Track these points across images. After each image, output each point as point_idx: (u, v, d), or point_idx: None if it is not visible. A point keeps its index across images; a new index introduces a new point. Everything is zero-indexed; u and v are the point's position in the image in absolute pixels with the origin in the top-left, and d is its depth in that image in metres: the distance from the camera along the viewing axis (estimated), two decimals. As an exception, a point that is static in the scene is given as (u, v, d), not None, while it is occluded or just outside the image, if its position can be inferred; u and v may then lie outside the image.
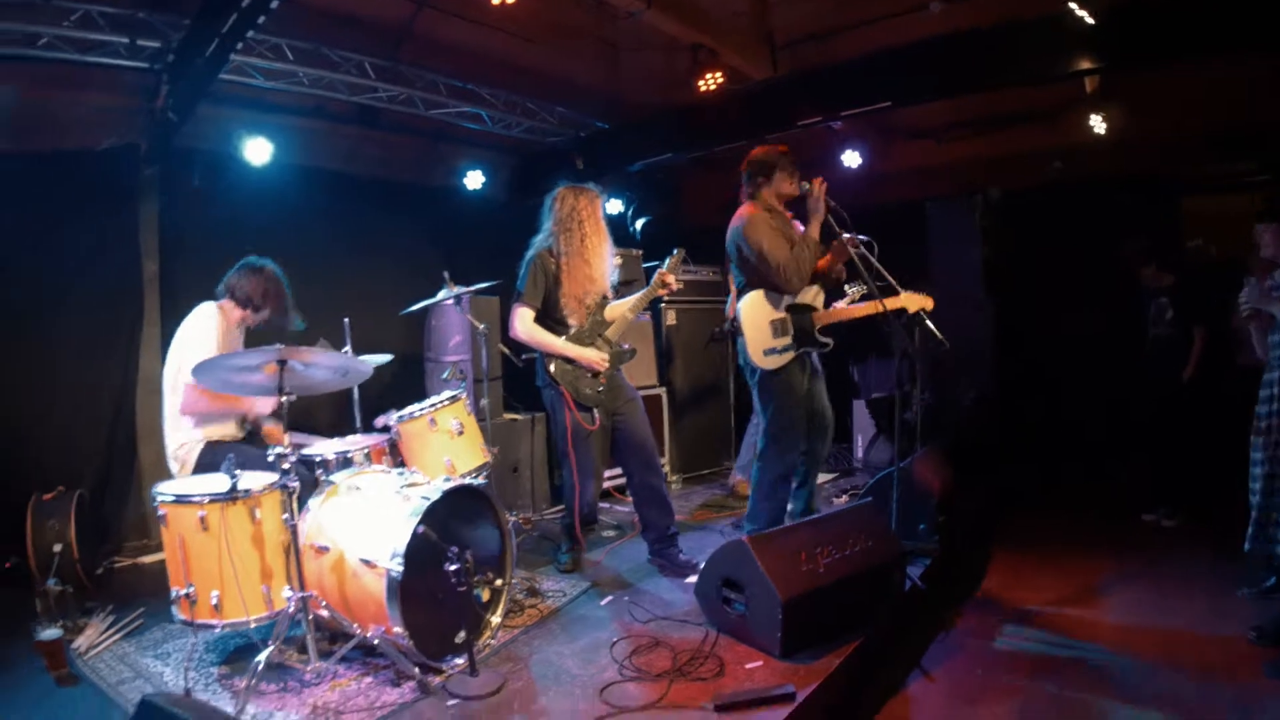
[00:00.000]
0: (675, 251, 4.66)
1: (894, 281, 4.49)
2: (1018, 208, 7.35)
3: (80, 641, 3.74)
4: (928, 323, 4.51)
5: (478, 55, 6.09)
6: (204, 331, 3.87)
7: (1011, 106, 6.94)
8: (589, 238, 4.51)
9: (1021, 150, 7.34)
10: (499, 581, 3.60)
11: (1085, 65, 5.12)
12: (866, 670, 3.53)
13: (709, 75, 5.78)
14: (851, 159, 7.25)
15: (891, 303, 4.45)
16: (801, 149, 6.05)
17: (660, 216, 8.36)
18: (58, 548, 4.33)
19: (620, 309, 4.66)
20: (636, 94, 7.07)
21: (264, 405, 3.99)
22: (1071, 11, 4.80)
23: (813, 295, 4.66)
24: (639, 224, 8.30)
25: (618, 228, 8.10)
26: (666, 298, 6.67)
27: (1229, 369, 5.38)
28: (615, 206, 8.11)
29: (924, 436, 5.17)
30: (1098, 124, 6.47)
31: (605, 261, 4.59)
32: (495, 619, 3.57)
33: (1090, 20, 4.82)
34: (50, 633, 3.46)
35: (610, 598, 4.23)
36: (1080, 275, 7.10)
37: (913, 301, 4.52)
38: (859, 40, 6.10)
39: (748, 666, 3.37)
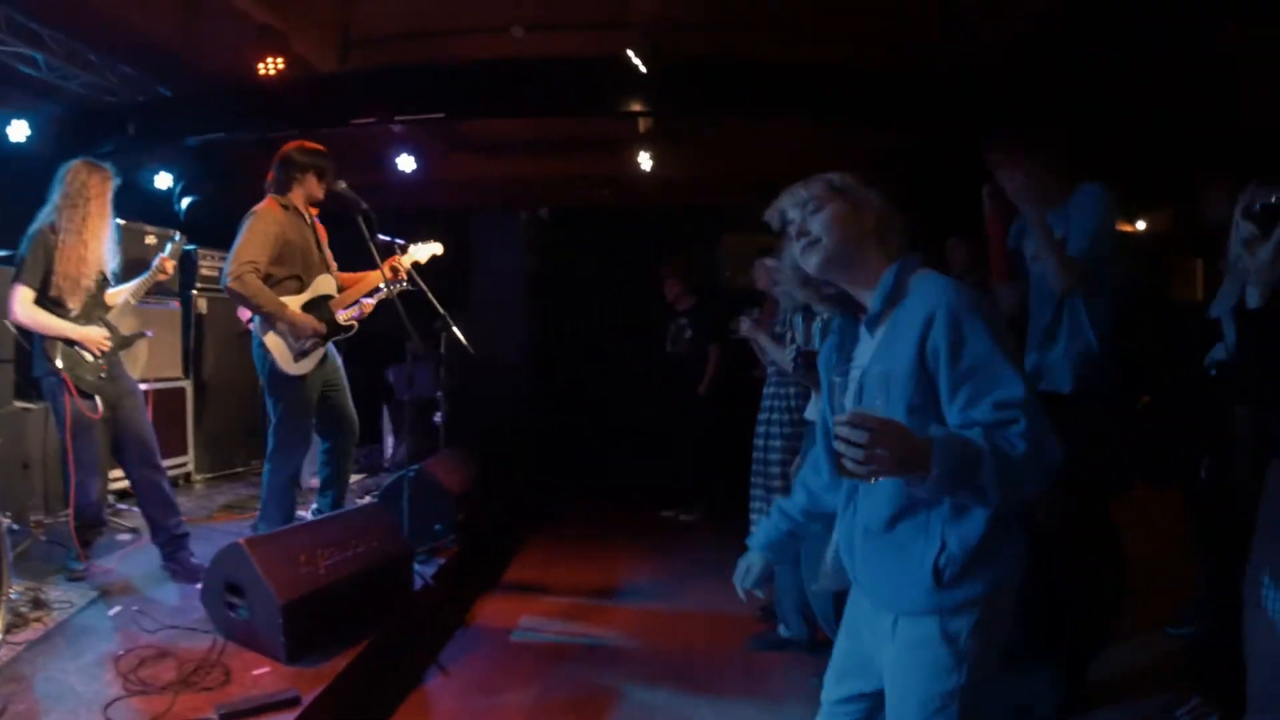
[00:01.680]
0: (177, 238, 4.66)
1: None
2: (564, 226, 8.07)
3: None
4: (454, 330, 4.91)
5: None
6: None
7: (571, 133, 7.53)
8: (92, 218, 4.34)
9: (575, 173, 8.03)
10: None
11: (636, 107, 5.92)
12: (378, 670, 3.79)
13: (271, 60, 5.72)
14: (406, 163, 7.46)
15: (405, 260, 4.78)
16: (359, 145, 6.21)
17: (211, 197, 8.01)
18: None
19: (121, 294, 4.55)
20: (207, 64, 6.69)
21: None
22: (629, 58, 5.51)
23: (329, 284, 4.82)
24: (185, 202, 7.92)
25: (162, 204, 7.67)
26: (200, 286, 6.51)
27: (744, 379, 6.20)
28: (165, 181, 7.63)
29: (449, 439, 5.52)
30: (645, 160, 7.25)
31: (104, 245, 4.44)
32: None
33: (643, 69, 5.57)
34: None
35: (119, 607, 4.13)
36: (619, 293, 7.98)
37: (420, 252, 4.86)
38: (436, 49, 6.32)
39: (255, 673, 3.48)
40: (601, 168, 7.71)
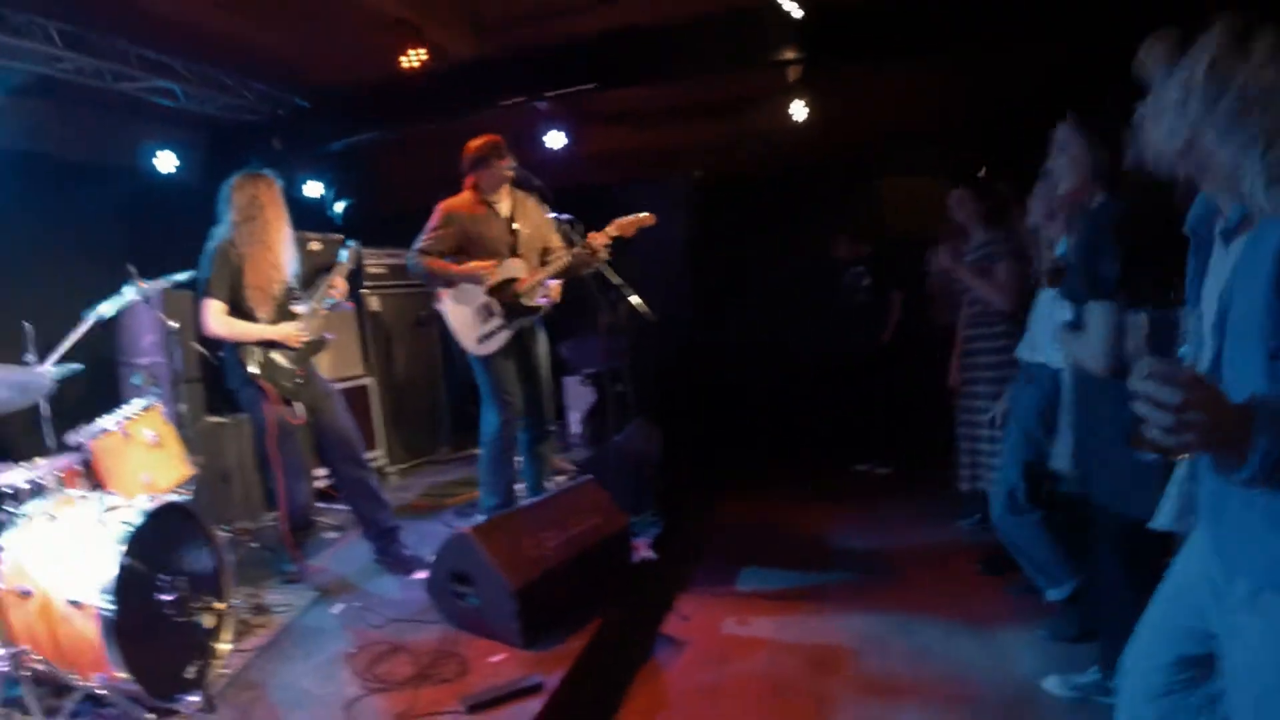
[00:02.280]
0: (350, 243, 4.68)
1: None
2: (720, 189, 7.89)
3: None
4: (633, 298, 4.77)
5: (171, 23, 5.46)
6: None
7: (716, 94, 7.24)
8: (271, 224, 4.34)
9: (724, 135, 7.83)
10: (219, 605, 3.35)
11: (789, 55, 5.60)
12: (611, 647, 3.66)
13: (412, 51, 5.64)
14: (555, 140, 7.34)
15: (597, 238, 4.64)
16: (504, 131, 6.13)
17: (362, 200, 8.09)
18: None
19: (304, 308, 4.56)
20: (339, 71, 6.68)
21: None
22: (779, 5, 5.18)
23: (515, 268, 4.72)
24: (339, 207, 7.98)
25: (317, 211, 7.78)
26: (369, 285, 6.57)
27: (926, 329, 5.97)
28: (315, 189, 7.73)
29: (638, 409, 5.45)
30: (798, 111, 6.94)
31: (287, 250, 4.44)
32: (224, 646, 3.33)
33: (797, 14, 5.23)
34: None
35: (341, 605, 4.08)
36: (782, 251, 7.77)
37: (628, 226, 4.71)
38: (567, 25, 6.06)
39: (492, 660, 3.39)
40: (751, 125, 7.47)
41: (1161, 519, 1.89)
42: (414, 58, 5.66)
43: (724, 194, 7.92)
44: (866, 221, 7.01)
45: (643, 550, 4.41)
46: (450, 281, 4.63)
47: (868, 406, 6.68)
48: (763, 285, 7.95)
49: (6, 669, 2.82)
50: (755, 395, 7.63)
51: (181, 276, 4.46)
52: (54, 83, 5.46)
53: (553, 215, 4.75)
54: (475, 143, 4.73)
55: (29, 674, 2.87)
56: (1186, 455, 1.42)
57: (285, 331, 4.34)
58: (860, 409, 6.74)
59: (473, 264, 4.57)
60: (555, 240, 4.85)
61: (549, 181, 4.79)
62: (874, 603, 4.36)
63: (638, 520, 4.73)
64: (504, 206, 4.77)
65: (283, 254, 4.39)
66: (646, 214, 4.77)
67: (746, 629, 4.15)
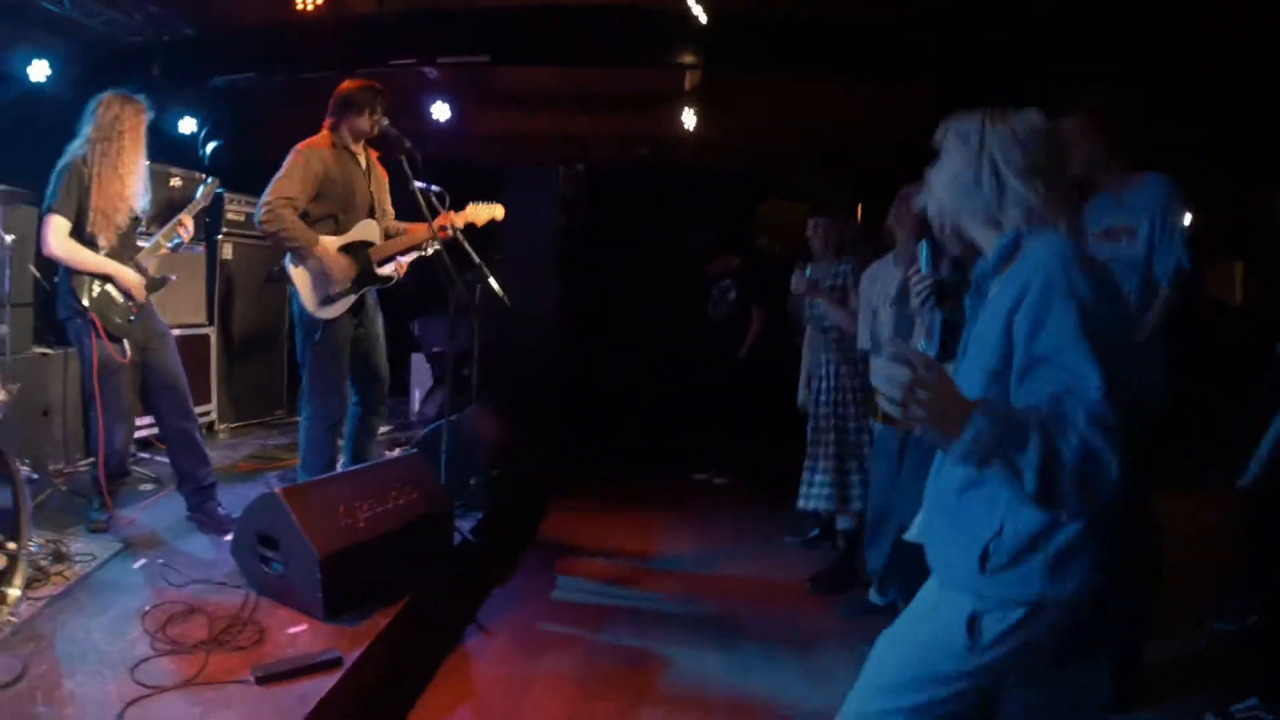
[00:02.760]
0: (208, 181, 4.56)
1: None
2: (600, 184, 7.93)
3: None
4: (490, 281, 4.77)
5: None
6: None
7: (609, 88, 7.34)
8: (126, 151, 4.19)
9: (613, 132, 7.90)
10: (11, 545, 3.17)
11: (688, 59, 5.74)
12: (419, 628, 3.63)
13: (307, -5, 5.45)
14: (441, 111, 7.34)
15: (459, 218, 4.64)
16: (396, 93, 6.06)
17: (236, 142, 7.85)
18: None
19: (148, 244, 4.42)
20: (232, 4, 6.52)
21: None
22: (689, 8, 5.30)
23: (371, 230, 4.65)
24: (210, 147, 7.73)
25: (188, 148, 7.50)
26: (226, 231, 6.38)
27: (784, 347, 6.09)
28: (189, 125, 7.45)
29: (480, 393, 5.46)
30: (689, 119, 7.06)
31: (138, 181, 4.30)
32: (13, 591, 3.16)
33: (702, 19, 5.36)
34: None
35: (144, 560, 3.95)
36: (653, 255, 7.87)
37: (480, 214, 4.73)
38: None
39: (290, 631, 3.32)
40: (641, 126, 7.55)
41: (911, 531, 2.12)
42: (309, 1, 5.55)
43: (604, 189, 7.96)
44: (740, 235, 7.16)
45: (464, 534, 4.38)
46: (303, 254, 4.39)
47: (716, 416, 6.82)
48: (632, 285, 8.05)
49: None
50: (607, 394, 7.72)
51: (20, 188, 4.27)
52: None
53: (420, 185, 4.60)
54: (349, 84, 4.58)
55: None
56: (914, 428, 1.61)
57: (129, 278, 4.20)
58: (708, 418, 6.88)
59: (322, 249, 4.42)
60: (390, 210, 4.80)
61: (432, 154, 4.73)
62: (696, 616, 4.41)
63: (462, 504, 4.71)
64: (362, 160, 4.66)
65: (133, 183, 4.25)
66: (498, 205, 4.79)
67: (561, 627, 4.18)
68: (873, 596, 4.40)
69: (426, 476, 4.18)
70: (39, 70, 6.26)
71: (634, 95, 7.28)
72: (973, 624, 1.76)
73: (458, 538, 4.33)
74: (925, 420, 1.52)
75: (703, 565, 5.05)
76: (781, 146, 7.53)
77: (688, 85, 6.96)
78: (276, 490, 3.48)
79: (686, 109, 6.99)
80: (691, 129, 7.05)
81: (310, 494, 3.57)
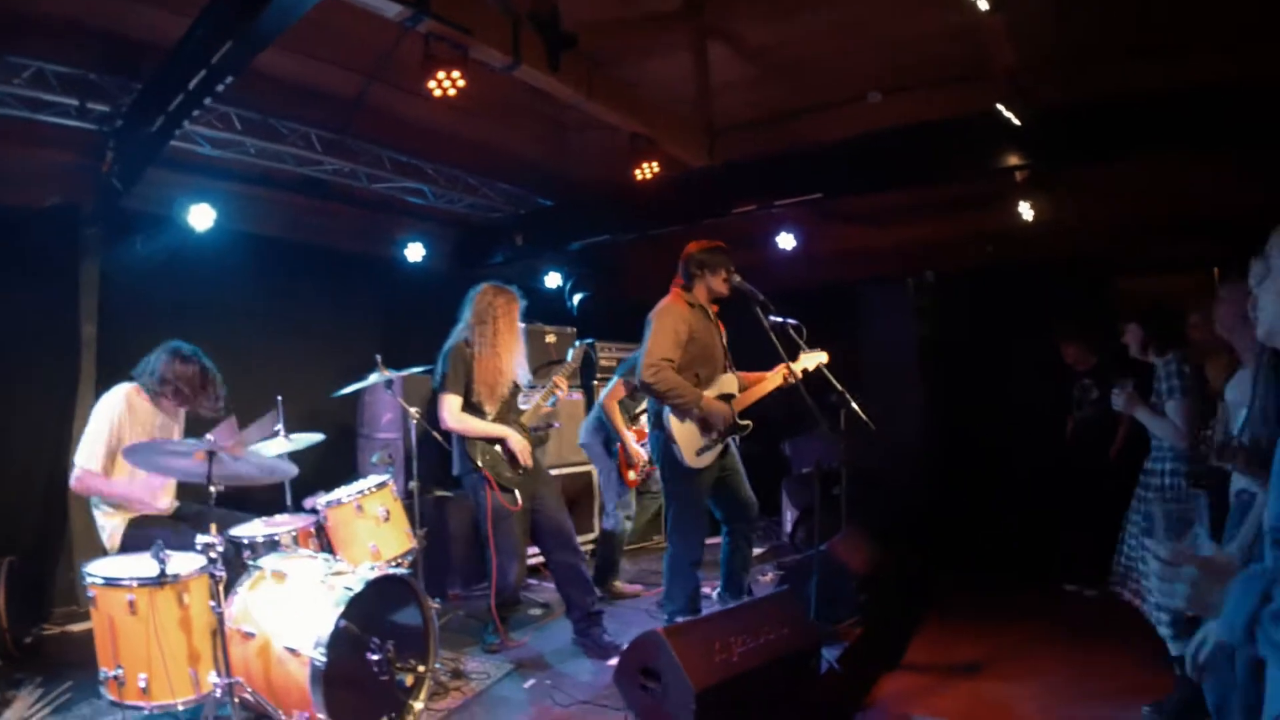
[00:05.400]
0: (578, 344, 5.01)
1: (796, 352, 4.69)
2: (951, 290, 7.64)
3: (8, 716, 3.67)
4: (853, 405, 4.69)
5: (423, 129, 6.21)
6: (98, 419, 3.95)
7: (945, 194, 7.12)
8: (501, 334, 4.73)
9: (954, 234, 7.62)
10: (421, 668, 3.59)
11: (1013, 161, 5.42)
12: None
13: (645, 164, 5.94)
14: (786, 241, 7.50)
15: (797, 366, 4.65)
16: (737, 230, 6.30)
17: (599, 293, 8.53)
18: (-12, 617, 4.24)
19: (529, 405, 4.92)
20: (580, 171, 7.23)
21: (160, 502, 4.05)
22: (999, 111, 5.12)
23: (731, 383, 4.73)
24: (576, 299, 8.46)
25: (555, 302, 8.27)
26: (600, 376, 6.87)
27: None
28: (554, 280, 8.24)
29: (850, 514, 5.31)
30: (1025, 211, 6.70)
31: (515, 357, 4.81)
32: (418, 704, 3.57)
33: (1016, 121, 5.14)
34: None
35: (533, 680, 4.27)
36: (1011, 355, 7.38)
37: (811, 359, 4.73)
38: (797, 129, 6.29)
39: None
40: (981, 225, 7.21)
41: None
42: (647, 170, 5.96)
43: (955, 294, 7.64)
44: (1098, 327, 6.48)
45: (830, 663, 4.27)
46: (687, 409, 4.46)
47: (1086, 523, 6.12)
48: (992, 390, 7.54)
49: (220, 695, 3.14)
50: (976, 507, 7.20)
51: (420, 370, 4.97)
52: (316, 181, 6.23)
53: (777, 319, 4.66)
54: (696, 246, 4.71)
55: (238, 701, 3.16)
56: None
57: (517, 443, 4.71)
58: (1079, 525, 6.18)
59: (709, 402, 4.51)
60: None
61: (780, 281, 4.81)
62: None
63: (827, 630, 4.59)
64: (711, 315, 4.77)
65: (509, 360, 4.77)
66: (823, 352, 4.80)
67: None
68: None
69: (796, 611, 4.21)
70: (415, 252, 7.30)
71: (971, 196, 6.97)
72: None
73: (824, 666, 4.23)
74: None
75: (1063, 689, 4.39)
76: (1135, 223, 6.80)
77: (1018, 178, 6.53)
78: (659, 630, 3.65)
79: (1022, 202, 6.62)
80: (1029, 219, 6.65)
81: (689, 632, 3.72)
